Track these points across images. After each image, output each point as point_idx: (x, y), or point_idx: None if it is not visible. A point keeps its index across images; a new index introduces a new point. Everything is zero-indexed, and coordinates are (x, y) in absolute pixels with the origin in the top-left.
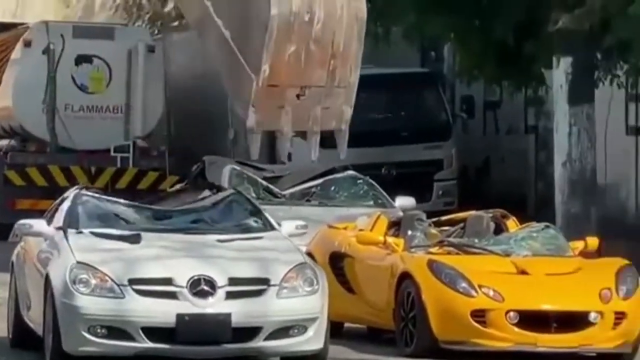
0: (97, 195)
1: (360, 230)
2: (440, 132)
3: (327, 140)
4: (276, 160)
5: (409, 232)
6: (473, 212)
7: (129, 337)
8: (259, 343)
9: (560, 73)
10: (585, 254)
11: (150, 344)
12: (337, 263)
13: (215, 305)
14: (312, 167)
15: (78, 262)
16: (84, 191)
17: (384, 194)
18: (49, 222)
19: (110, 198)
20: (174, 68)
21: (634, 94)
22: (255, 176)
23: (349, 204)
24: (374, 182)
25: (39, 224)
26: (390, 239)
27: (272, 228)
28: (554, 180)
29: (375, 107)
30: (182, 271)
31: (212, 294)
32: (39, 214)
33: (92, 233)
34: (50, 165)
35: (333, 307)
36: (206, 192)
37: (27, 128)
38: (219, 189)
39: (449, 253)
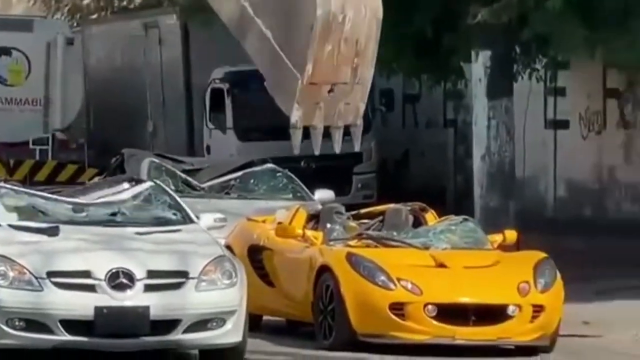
0: (15, 187)
1: (279, 223)
2: None
3: (246, 133)
4: (195, 152)
5: (328, 225)
6: (392, 205)
7: (48, 329)
8: (177, 336)
9: (479, 66)
10: (503, 247)
11: (68, 337)
12: (256, 256)
13: (133, 298)
14: (231, 160)
15: None
16: (2, 184)
17: (303, 187)
18: None
19: (29, 191)
20: (93, 61)
21: (553, 88)
22: (174, 169)
23: (268, 196)
24: (292, 175)
25: None
26: (309, 232)
27: (191, 221)
28: (473, 173)
29: None
30: (101, 264)
31: (130, 287)
32: None
33: (10, 226)
34: None
35: (252, 300)
36: (125, 185)
37: None
38: (138, 181)
39: (367, 246)
